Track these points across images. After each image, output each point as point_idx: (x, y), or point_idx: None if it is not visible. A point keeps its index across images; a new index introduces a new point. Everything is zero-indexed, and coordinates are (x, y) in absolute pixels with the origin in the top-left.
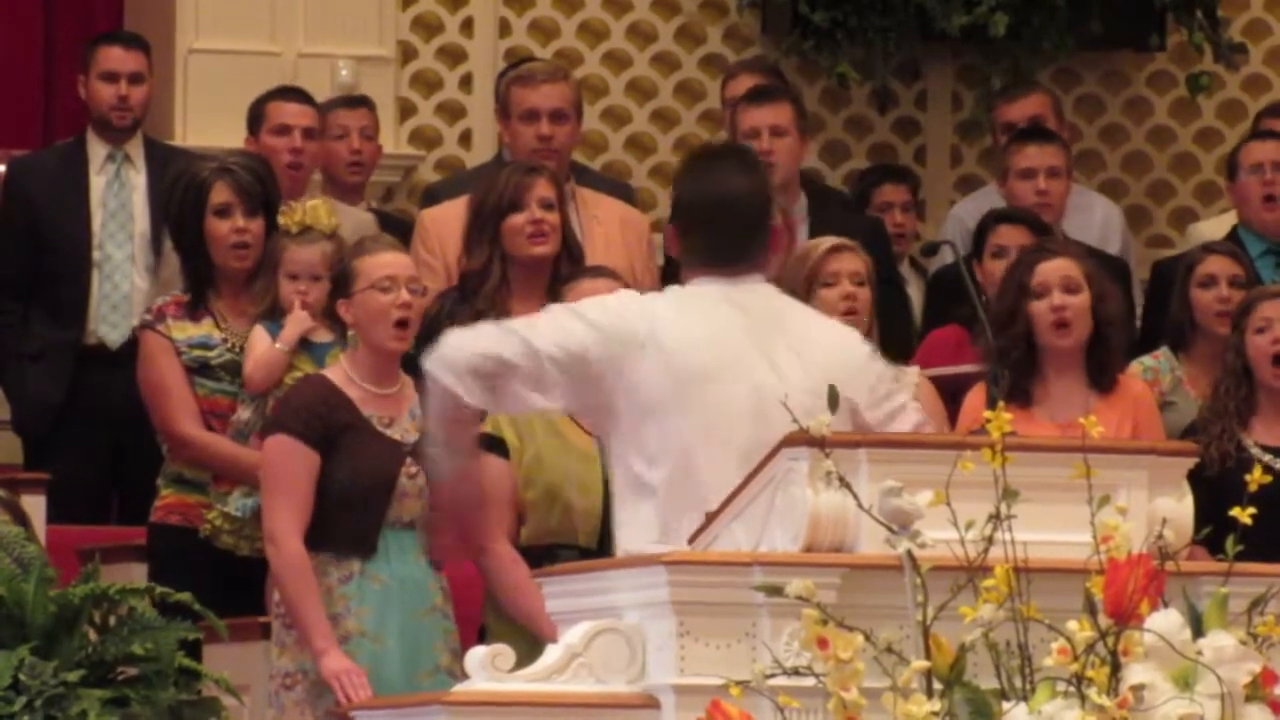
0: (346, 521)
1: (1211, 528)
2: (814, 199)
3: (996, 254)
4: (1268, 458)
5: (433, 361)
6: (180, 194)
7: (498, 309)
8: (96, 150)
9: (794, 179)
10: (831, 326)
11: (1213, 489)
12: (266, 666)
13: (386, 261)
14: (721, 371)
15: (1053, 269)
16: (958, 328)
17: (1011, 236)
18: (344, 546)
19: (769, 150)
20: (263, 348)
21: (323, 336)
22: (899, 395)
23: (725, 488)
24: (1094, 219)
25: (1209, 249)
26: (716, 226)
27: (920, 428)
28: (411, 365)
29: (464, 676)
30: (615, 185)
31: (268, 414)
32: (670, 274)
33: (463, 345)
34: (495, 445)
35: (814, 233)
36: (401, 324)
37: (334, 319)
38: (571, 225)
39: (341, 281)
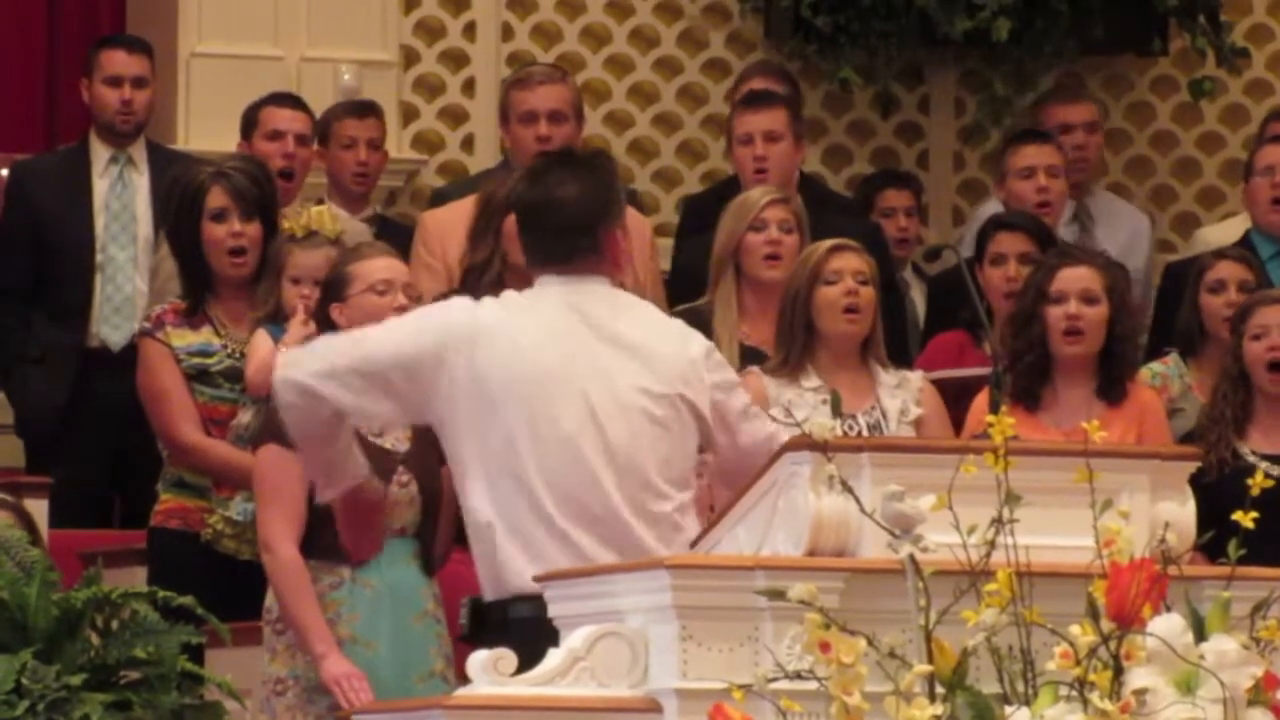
0: (337, 529)
1: (1211, 533)
2: (813, 204)
3: (995, 260)
4: (1264, 465)
5: (276, 382)
6: (176, 199)
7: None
8: (99, 153)
9: (790, 184)
10: (669, 325)
11: (1209, 495)
12: (262, 669)
13: (382, 266)
14: (551, 374)
15: (1074, 278)
16: (960, 332)
17: (1011, 243)
18: (335, 553)
19: (763, 156)
20: (265, 351)
21: None
22: (764, 421)
23: (555, 484)
24: (1122, 228)
25: (1219, 254)
26: (544, 226)
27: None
28: None
29: (458, 682)
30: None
31: (260, 423)
32: (674, 279)
33: (299, 362)
34: None
35: (814, 238)
36: None
37: (326, 323)
38: None
39: (335, 286)
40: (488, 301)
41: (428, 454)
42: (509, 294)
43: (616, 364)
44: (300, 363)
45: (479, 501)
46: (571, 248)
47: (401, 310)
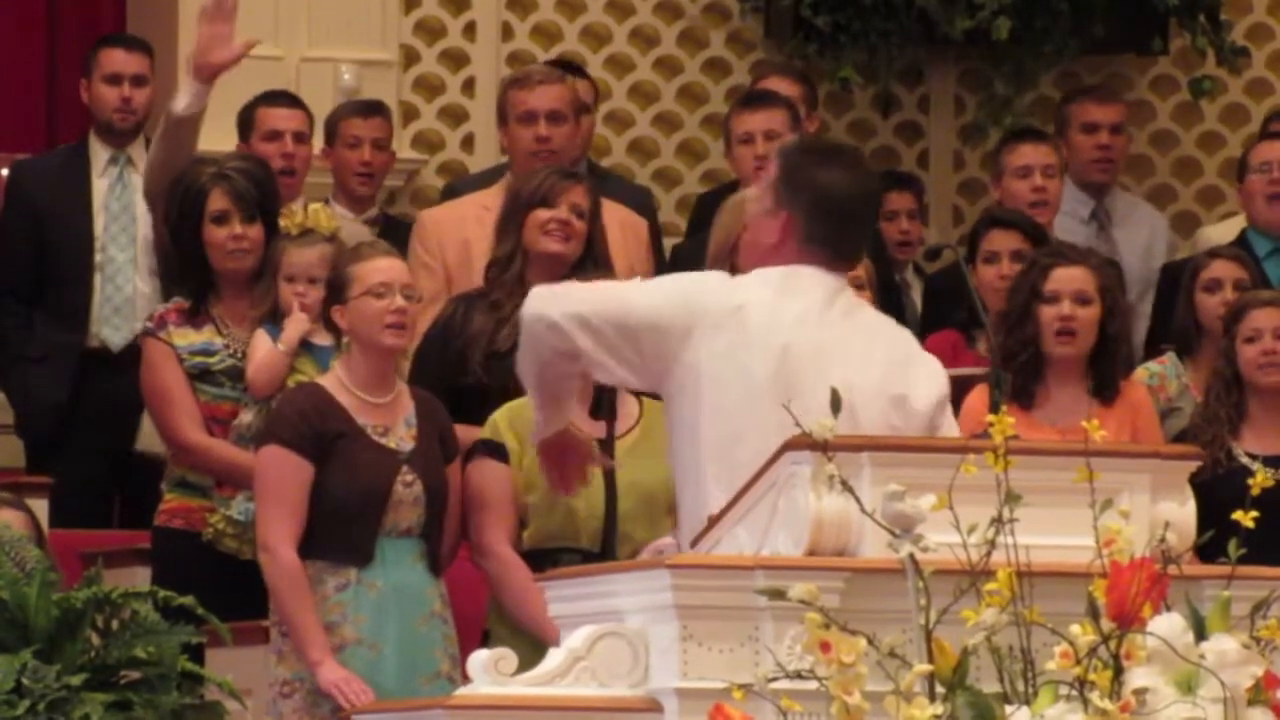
0: (342, 530)
1: (1210, 533)
2: None
3: (989, 259)
4: (1256, 466)
5: (526, 314)
6: (177, 201)
7: (514, 300)
8: (99, 153)
9: None
10: (907, 337)
11: (1202, 495)
12: (269, 671)
13: (381, 267)
14: (809, 360)
15: (1068, 278)
16: (953, 332)
17: (1004, 241)
18: (339, 555)
19: (762, 155)
20: (264, 351)
21: (324, 339)
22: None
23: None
24: (1141, 228)
25: (1214, 253)
26: (845, 218)
27: None
28: (426, 379)
29: (464, 682)
30: (632, 190)
31: (263, 424)
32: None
33: (555, 299)
34: (495, 450)
35: None
36: (396, 329)
37: (331, 325)
38: (605, 240)
39: (336, 288)
40: (747, 281)
41: (432, 454)
42: (765, 273)
43: (866, 361)
44: (556, 300)
45: (706, 481)
46: (859, 249)
47: (400, 313)
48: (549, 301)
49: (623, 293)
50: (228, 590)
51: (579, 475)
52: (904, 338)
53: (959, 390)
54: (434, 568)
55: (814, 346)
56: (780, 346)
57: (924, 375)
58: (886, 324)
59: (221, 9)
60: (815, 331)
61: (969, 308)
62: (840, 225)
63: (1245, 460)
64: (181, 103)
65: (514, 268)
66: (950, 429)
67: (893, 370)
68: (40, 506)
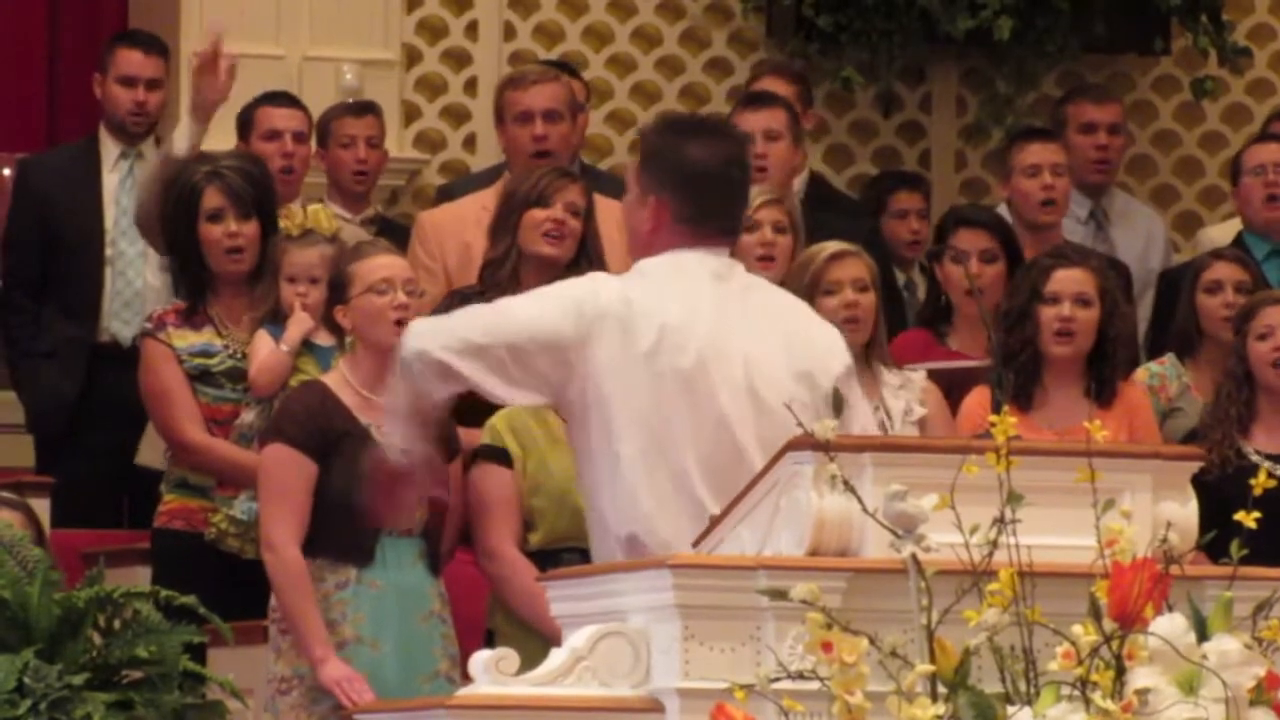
0: (344, 529)
1: (1213, 532)
2: (820, 203)
3: (955, 258)
4: (1267, 464)
5: (405, 351)
6: (172, 200)
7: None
8: (109, 148)
9: (788, 183)
10: (802, 306)
11: (1212, 494)
12: (266, 668)
13: (382, 264)
14: (705, 350)
15: (1069, 279)
16: (921, 330)
17: (970, 240)
18: (341, 553)
19: (763, 154)
20: (266, 351)
21: (325, 339)
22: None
23: (706, 464)
24: (1139, 230)
25: (1215, 255)
26: (715, 193)
27: None
28: None
29: (463, 682)
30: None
31: (266, 422)
32: None
33: (435, 334)
34: (497, 455)
35: (813, 238)
36: (400, 324)
37: (332, 326)
38: (599, 240)
39: (337, 288)
40: (628, 277)
41: (433, 453)
42: (648, 266)
43: (767, 341)
44: (437, 333)
45: (620, 484)
46: (737, 220)
47: (403, 309)
48: (427, 337)
49: (509, 311)
50: (228, 591)
51: (408, 507)
52: (803, 311)
53: (956, 384)
54: (434, 567)
55: (710, 331)
56: (674, 339)
57: (826, 348)
58: (784, 299)
59: (212, 62)
60: (709, 316)
61: (932, 305)
62: (711, 199)
63: (1255, 459)
64: (182, 145)
65: (508, 268)
66: (857, 401)
67: (795, 345)
68: (42, 506)
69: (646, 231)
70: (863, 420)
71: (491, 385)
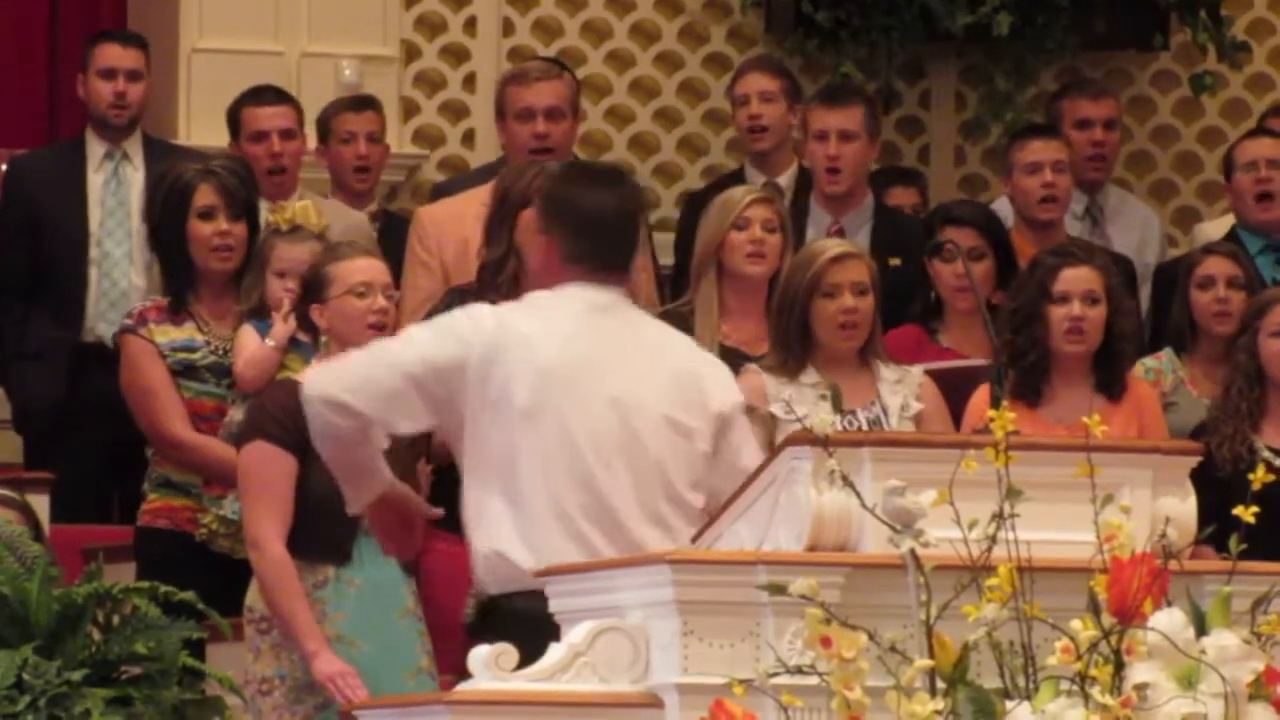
0: (322, 528)
1: (1216, 527)
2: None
3: (950, 255)
4: (1278, 461)
5: (305, 398)
6: (162, 195)
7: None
8: (95, 148)
9: (861, 182)
10: (687, 341)
11: (1225, 490)
12: (245, 669)
13: (361, 267)
14: (581, 378)
15: (1077, 278)
16: (912, 326)
17: (957, 238)
18: (318, 552)
19: (835, 155)
20: (253, 346)
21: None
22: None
23: (579, 485)
24: (1134, 225)
25: (1208, 250)
26: (601, 231)
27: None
28: None
29: (441, 678)
30: None
31: (245, 419)
32: (678, 275)
33: (329, 376)
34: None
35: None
36: (377, 329)
37: (305, 323)
38: None
39: (314, 286)
40: (512, 307)
41: (404, 451)
42: (534, 297)
43: (645, 372)
44: (334, 377)
45: (494, 499)
46: (623, 260)
47: (382, 313)
48: (325, 382)
49: (400, 346)
50: (213, 589)
51: (410, 536)
52: (690, 348)
53: (957, 383)
54: (406, 566)
55: (579, 360)
56: (542, 367)
57: (714, 384)
58: (672, 336)
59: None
60: (581, 345)
61: (924, 302)
62: (598, 242)
63: (1267, 454)
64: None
65: (507, 270)
66: (746, 440)
67: (680, 382)
68: (41, 502)
69: (538, 267)
70: (747, 460)
71: (393, 418)
